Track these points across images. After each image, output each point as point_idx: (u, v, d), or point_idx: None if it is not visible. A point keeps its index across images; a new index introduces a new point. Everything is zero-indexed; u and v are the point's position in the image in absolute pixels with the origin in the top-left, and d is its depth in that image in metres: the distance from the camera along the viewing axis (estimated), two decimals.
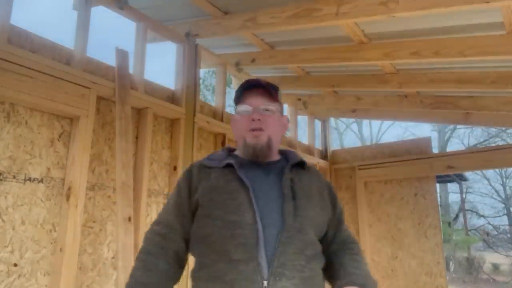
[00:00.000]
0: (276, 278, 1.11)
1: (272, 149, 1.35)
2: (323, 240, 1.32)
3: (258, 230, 1.16)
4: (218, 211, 1.21)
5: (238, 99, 1.39)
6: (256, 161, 1.33)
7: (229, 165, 1.29)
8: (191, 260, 1.30)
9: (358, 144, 19.56)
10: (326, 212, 1.33)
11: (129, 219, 2.24)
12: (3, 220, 1.85)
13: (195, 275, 1.23)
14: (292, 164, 1.34)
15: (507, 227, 17.60)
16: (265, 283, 1.10)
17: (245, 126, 1.34)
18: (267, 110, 1.34)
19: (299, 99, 4.58)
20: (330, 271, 1.28)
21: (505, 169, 18.59)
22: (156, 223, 1.35)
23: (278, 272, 1.11)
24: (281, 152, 1.44)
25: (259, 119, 1.32)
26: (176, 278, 1.31)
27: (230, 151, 1.43)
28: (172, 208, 1.34)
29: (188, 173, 1.36)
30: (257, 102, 1.35)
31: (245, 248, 1.14)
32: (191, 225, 1.30)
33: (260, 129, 1.32)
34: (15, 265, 1.86)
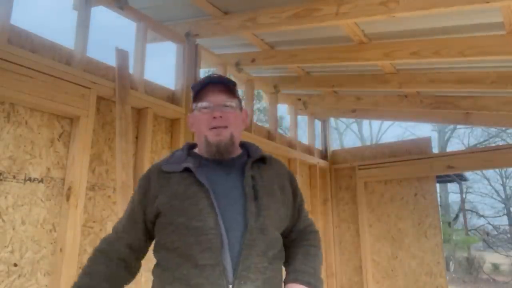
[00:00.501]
0: (241, 281, 1.12)
1: (234, 145, 1.34)
2: (283, 232, 1.32)
3: (221, 234, 1.16)
4: (181, 218, 1.20)
5: (197, 96, 1.35)
6: (219, 159, 1.31)
7: (187, 169, 1.26)
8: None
9: (358, 144, 19.55)
10: (287, 206, 1.34)
11: None
12: (3, 220, 1.85)
13: (158, 276, 1.24)
14: (253, 160, 1.33)
15: (507, 227, 17.60)
16: (230, 287, 1.11)
17: (206, 124, 1.31)
18: (227, 106, 1.32)
19: (299, 99, 4.58)
20: (285, 262, 1.31)
21: (505, 169, 18.59)
22: (112, 229, 1.41)
23: (243, 275, 1.12)
24: (242, 145, 1.42)
25: (220, 116, 1.29)
26: (120, 283, 1.32)
27: (190, 149, 1.40)
28: (125, 215, 1.39)
29: (145, 181, 1.34)
30: (218, 99, 1.32)
31: (211, 253, 1.14)
32: (141, 232, 1.32)
33: (224, 127, 1.29)
34: (15, 265, 1.86)
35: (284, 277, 1.26)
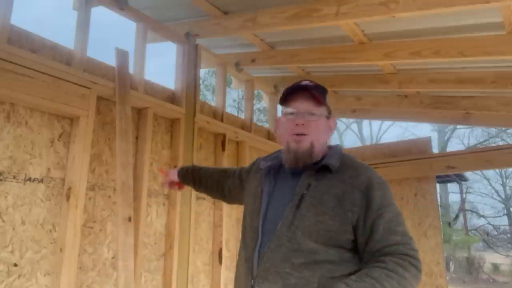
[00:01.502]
0: (259, 280, 1.22)
1: (313, 155, 1.34)
2: (357, 248, 1.23)
3: (258, 235, 1.30)
4: (246, 211, 1.44)
5: (285, 101, 1.40)
6: (295, 167, 1.35)
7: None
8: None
9: (358, 144, 19.56)
10: (341, 219, 1.22)
11: (129, 219, 2.24)
12: (3, 220, 1.85)
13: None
14: (314, 169, 1.32)
15: (507, 227, 17.61)
16: (252, 282, 1.24)
17: (289, 130, 1.36)
18: (312, 114, 1.34)
19: None
20: None
21: (505, 169, 18.58)
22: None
23: (262, 275, 1.22)
24: (329, 149, 1.42)
25: (303, 124, 1.32)
26: (212, 190, 1.82)
27: None
28: (235, 170, 1.74)
29: (250, 166, 1.63)
30: (303, 106, 1.35)
31: (248, 249, 1.31)
32: (231, 181, 1.72)
33: (303, 134, 1.33)
34: (15, 265, 1.86)
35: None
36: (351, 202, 1.24)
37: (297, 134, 1.33)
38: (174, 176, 1.90)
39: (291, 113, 1.35)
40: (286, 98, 1.39)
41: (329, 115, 1.40)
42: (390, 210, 1.25)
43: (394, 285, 1.12)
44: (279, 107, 1.49)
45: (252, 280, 1.23)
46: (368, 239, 1.21)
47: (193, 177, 1.84)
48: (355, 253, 1.25)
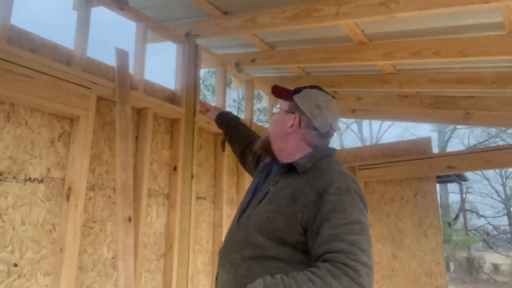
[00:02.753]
0: (221, 269, 1.35)
1: (272, 148, 1.49)
2: (298, 246, 1.22)
3: (232, 228, 1.41)
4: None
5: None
6: (276, 161, 1.48)
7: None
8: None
9: (358, 144, 19.55)
10: (290, 219, 1.22)
11: (129, 219, 2.24)
12: (3, 220, 1.84)
13: None
14: (283, 166, 1.40)
15: (507, 227, 17.61)
16: (218, 269, 1.38)
17: None
18: (275, 112, 1.53)
19: None
20: None
21: (505, 169, 18.58)
22: None
23: (222, 263, 1.35)
24: (315, 150, 1.49)
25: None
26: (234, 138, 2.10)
27: None
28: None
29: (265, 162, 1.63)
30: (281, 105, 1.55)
31: (225, 240, 1.43)
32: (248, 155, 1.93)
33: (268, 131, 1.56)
34: (15, 265, 1.86)
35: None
36: (304, 203, 1.21)
37: None
38: (214, 111, 2.27)
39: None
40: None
41: (290, 109, 1.46)
42: (343, 217, 1.14)
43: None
44: None
45: (218, 267, 1.39)
46: (314, 243, 1.15)
47: (229, 122, 2.14)
48: (309, 254, 1.19)
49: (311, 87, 1.50)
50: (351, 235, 1.10)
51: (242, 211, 1.41)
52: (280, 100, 1.58)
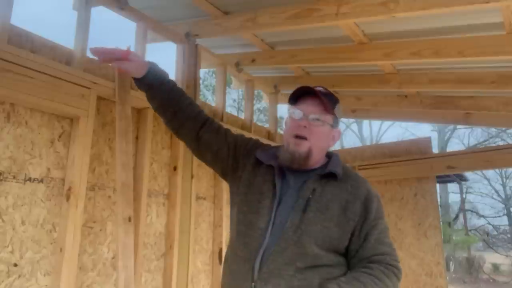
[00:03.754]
0: (261, 282, 1.21)
1: (309, 160, 1.35)
2: (342, 253, 1.31)
3: (264, 236, 1.26)
4: (245, 207, 1.35)
5: (294, 101, 1.40)
6: (289, 167, 1.36)
7: (271, 166, 1.37)
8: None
9: (358, 144, 19.56)
10: (344, 227, 1.28)
11: (129, 219, 2.24)
12: (3, 220, 1.85)
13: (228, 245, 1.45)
14: (320, 174, 1.34)
15: (507, 227, 17.62)
16: (253, 284, 1.22)
17: (291, 131, 1.36)
18: (317, 119, 1.34)
19: None
20: None
21: (505, 169, 18.58)
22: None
23: (265, 277, 1.21)
24: (328, 156, 1.44)
25: (305, 126, 1.33)
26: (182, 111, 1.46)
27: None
28: (232, 133, 1.53)
29: (251, 146, 1.47)
30: (309, 109, 1.34)
31: (248, 248, 1.28)
32: (217, 148, 1.46)
33: (304, 138, 1.33)
34: (15, 265, 1.86)
35: None
36: (353, 211, 1.29)
37: (298, 136, 1.33)
38: (137, 64, 1.40)
39: (297, 115, 1.36)
40: (296, 98, 1.40)
41: (334, 125, 1.39)
42: (382, 223, 1.33)
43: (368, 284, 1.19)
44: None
45: (253, 283, 1.22)
46: (360, 247, 1.29)
47: (164, 87, 1.43)
48: (345, 257, 1.32)
49: (336, 97, 1.43)
50: (388, 238, 1.33)
51: (274, 218, 1.28)
52: (313, 106, 1.35)
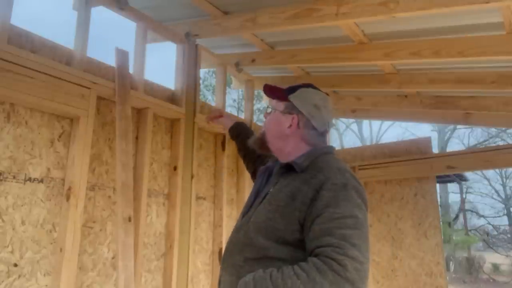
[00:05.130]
0: (222, 271, 1.34)
1: (265, 146, 1.49)
2: (298, 244, 1.21)
3: (235, 230, 1.38)
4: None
5: None
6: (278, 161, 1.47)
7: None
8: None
9: (358, 144, 19.56)
10: (289, 217, 1.21)
11: (129, 219, 2.24)
12: (3, 220, 1.85)
13: None
14: (281, 166, 1.40)
15: (507, 227, 17.62)
16: (220, 272, 1.36)
17: None
18: (269, 110, 1.51)
19: None
20: None
21: (505, 169, 18.58)
22: None
23: (224, 267, 1.33)
24: (312, 149, 1.46)
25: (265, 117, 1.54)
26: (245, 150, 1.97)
27: None
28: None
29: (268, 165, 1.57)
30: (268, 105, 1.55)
31: (228, 243, 1.39)
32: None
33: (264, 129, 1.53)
34: (15, 265, 1.86)
35: None
36: (302, 201, 1.20)
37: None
38: (228, 118, 2.18)
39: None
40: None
41: (288, 110, 1.43)
42: (335, 211, 1.12)
43: (297, 285, 1.02)
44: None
45: (220, 271, 1.37)
46: (307, 238, 1.15)
47: (243, 133, 2.03)
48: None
49: (304, 85, 1.47)
50: (342, 229, 1.08)
51: (244, 214, 1.39)
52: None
